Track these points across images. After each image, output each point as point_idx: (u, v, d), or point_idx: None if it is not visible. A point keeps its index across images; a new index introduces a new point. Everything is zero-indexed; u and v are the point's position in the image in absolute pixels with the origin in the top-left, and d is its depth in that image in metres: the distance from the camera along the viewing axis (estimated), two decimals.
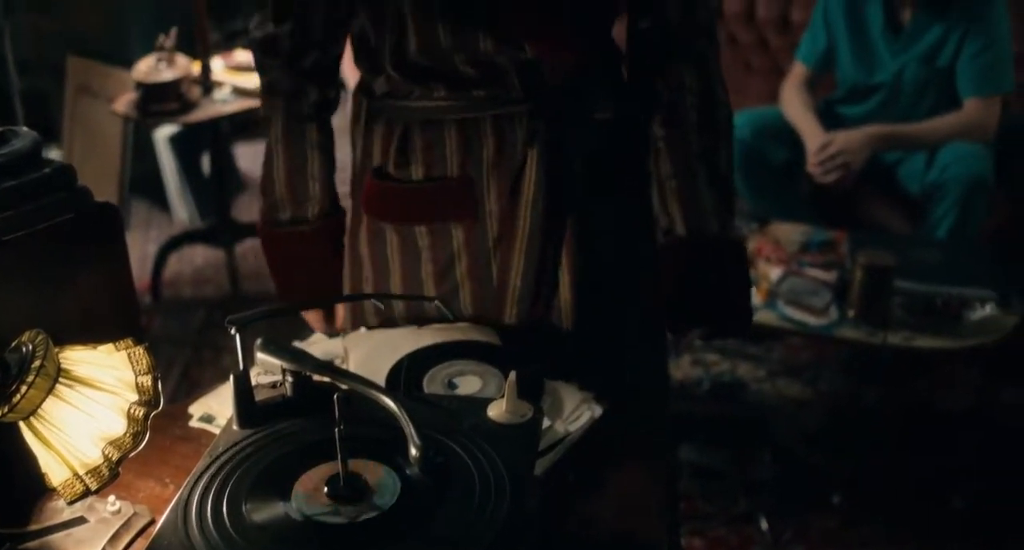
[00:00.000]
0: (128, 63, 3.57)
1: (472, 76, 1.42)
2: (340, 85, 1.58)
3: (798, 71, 3.33)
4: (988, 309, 2.51)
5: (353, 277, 1.60)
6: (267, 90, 1.55)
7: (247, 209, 4.38)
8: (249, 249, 3.97)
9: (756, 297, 2.57)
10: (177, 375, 3.22)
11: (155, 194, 4.43)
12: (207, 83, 3.31)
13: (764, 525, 2.53)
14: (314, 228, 1.59)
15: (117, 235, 1.27)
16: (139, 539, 1.08)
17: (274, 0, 1.47)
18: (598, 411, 1.25)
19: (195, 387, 3.11)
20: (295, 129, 1.55)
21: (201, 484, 1.02)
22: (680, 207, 1.54)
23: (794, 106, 3.24)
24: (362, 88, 1.54)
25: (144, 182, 4.34)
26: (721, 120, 1.53)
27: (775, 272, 2.59)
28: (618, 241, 1.56)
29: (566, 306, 1.51)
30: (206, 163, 4.27)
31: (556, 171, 1.46)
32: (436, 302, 1.33)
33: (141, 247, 4.10)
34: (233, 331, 1.11)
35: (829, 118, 3.24)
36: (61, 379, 1.01)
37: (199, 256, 3.96)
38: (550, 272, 1.49)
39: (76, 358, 1.05)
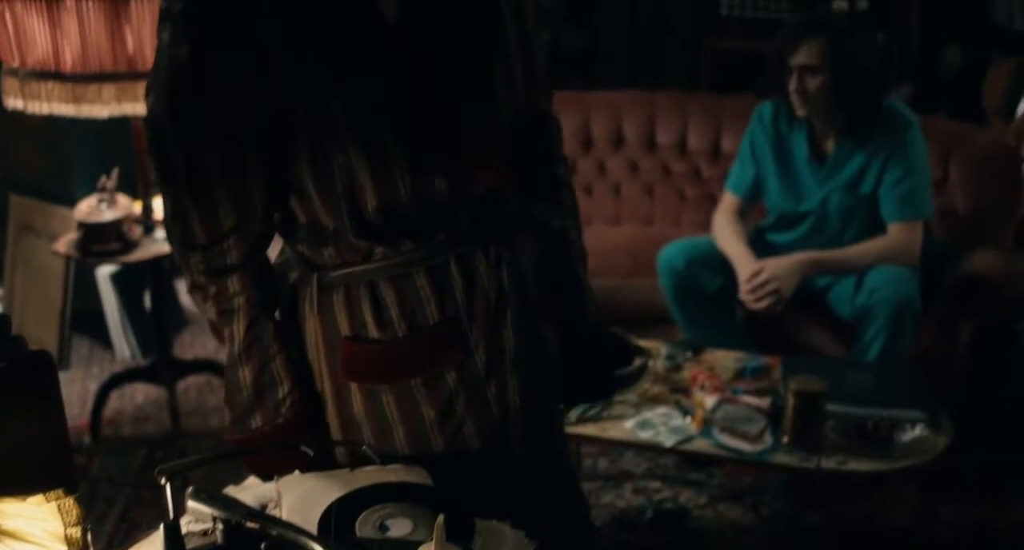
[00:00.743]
0: (71, 202, 3.60)
1: (430, 221, 1.47)
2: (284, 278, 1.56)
3: (728, 201, 3.44)
4: (919, 430, 2.57)
5: (349, 440, 1.57)
6: (222, 311, 1.51)
7: (189, 346, 4.37)
8: (191, 386, 3.95)
9: (692, 425, 2.62)
10: (116, 516, 3.17)
11: (97, 331, 4.41)
12: (148, 222, 3.34)
13: None
14: (287, 417, 1.54)
15: (51, 383, 1.28)
16: None
17: (204, 219, 1.43)
18: (530, 549, 1.26)
19: (135, 528, 3.07)
20: (254, 336, 1.51)
21: None
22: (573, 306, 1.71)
23: (725, 235, 3.34)
24: (302, 264, 1.54)
25: (86, 319, 4.33)
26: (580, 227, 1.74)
27: (710, 400, 2.63)
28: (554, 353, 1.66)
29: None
30: (149, 299, 4.27)
31: (523, 293, 1.54)
32: (364, 447, 1.35)
33: (82, 385, 4.06)
34: (163, 481, 1.12)
35: (760, 245, 3.34)
36: None
37: (140, 394, 3.94)
38: (541, 388, 1.57)
39: (4, 511, 1.06)
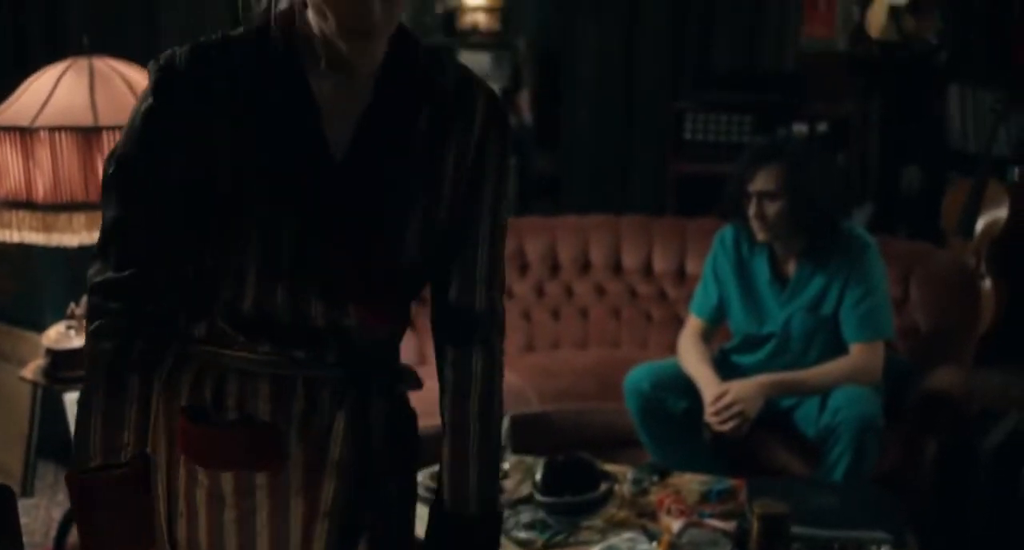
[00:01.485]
0: (41, 327, 3.61)
1: (294, 336, 1.54)
2: (172, 339, 1.60)
3: (692, 324, 3.49)
4: None
5: (170, 509, 1.61)
6: (96, 335, 1.55)
7: None
8: None
9: None
10: None
11: (63, 456, 4.37)
12: None
13: None
14: (125, 472, 1.56)
15: (10, 517, 1.29)
16: None
17: (119, 246, 1.52)
18: None
19: None
20: (117, 380, 1.55)
21: None
22: (450, 484, 1.68)
23: (689, 358, 3.38)
24: (174, 331, 1.60)
25: (52, 444, 4.29)
26: (496, 409, 1.69)
27: (676, 524, 2.62)
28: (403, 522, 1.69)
29: None
30: None
31: (361, 440, 1.59)
32: None
33: (46, 512, 4.02)
34: None
35: (725, 367, 3.38)
36: None
37: None
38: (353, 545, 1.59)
39: None
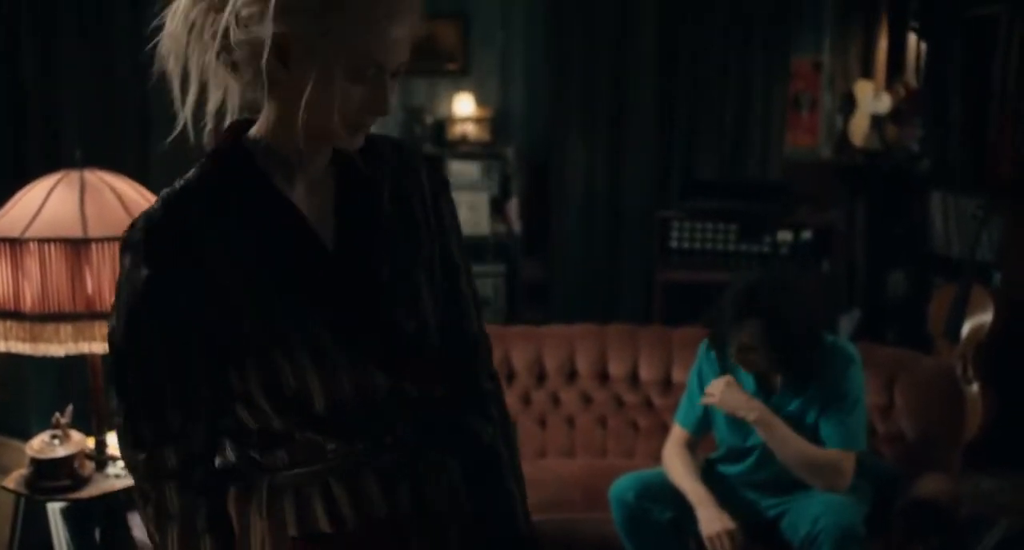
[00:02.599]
0: (27, 435, 3.61)
1: (377, 423, 1.57)
2: (227, 492, 1.60)
3: (677, 434, 3.47)
4: None
5: None
6: (157, 515, 1.55)
7: None
8: None
9: None
10: None
11: None
12: (101, 458, 3.35)
13: None
14: None
15: None
16: None
17: (154, 423, 1.51)
18: None
19: None
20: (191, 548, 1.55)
21: None
22: (495, 512, 1.72)
23: (675, 468, 3.37)
24: (251, 469, 1.58)
25: None
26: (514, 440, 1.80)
27: None
28: None
29: None
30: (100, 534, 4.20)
31: (459, 501, 1.66)
32: None
33: None
34: None
35: (711, 477, 3.37)
36: None
37: None
38: None
39: None
